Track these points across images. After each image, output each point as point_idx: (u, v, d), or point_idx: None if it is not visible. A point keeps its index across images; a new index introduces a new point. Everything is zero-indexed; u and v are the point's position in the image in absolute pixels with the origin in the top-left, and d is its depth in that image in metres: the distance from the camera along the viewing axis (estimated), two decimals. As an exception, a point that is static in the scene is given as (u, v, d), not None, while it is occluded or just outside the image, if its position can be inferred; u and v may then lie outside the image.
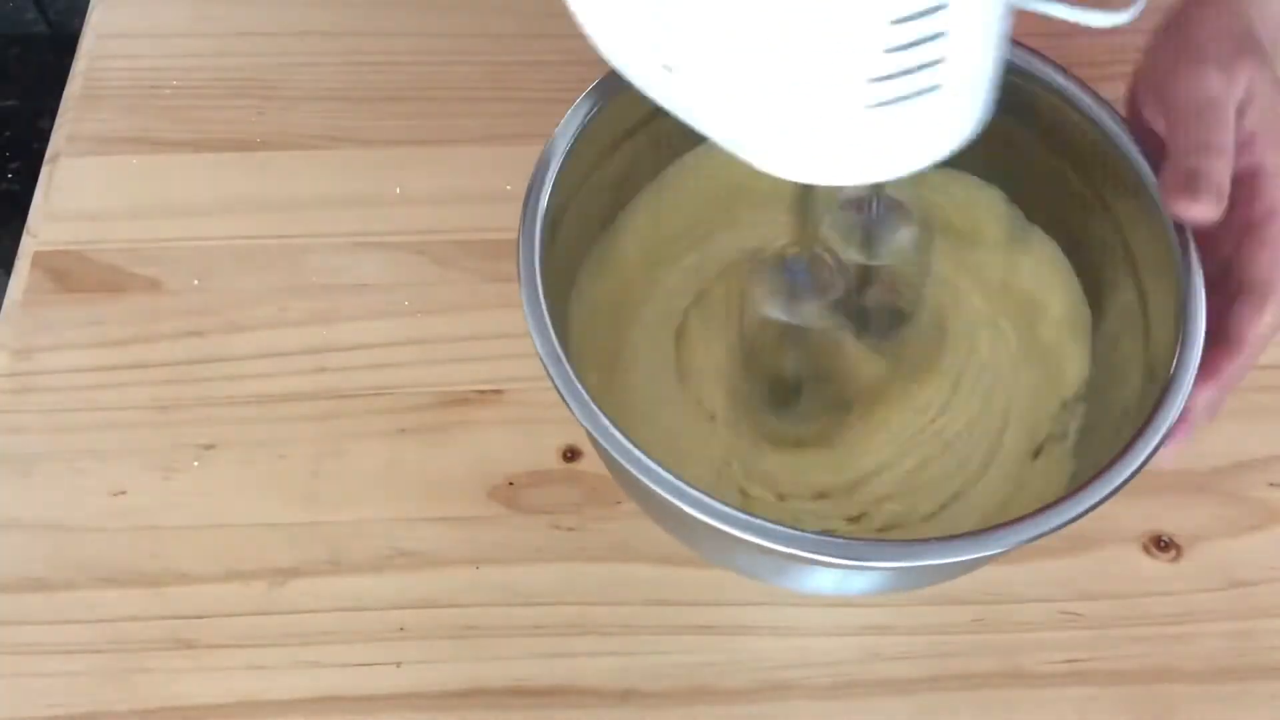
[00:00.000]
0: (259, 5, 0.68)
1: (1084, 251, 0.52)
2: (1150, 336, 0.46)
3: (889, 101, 0.31)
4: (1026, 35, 0.46)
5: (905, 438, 0.50)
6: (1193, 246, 0.44)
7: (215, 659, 0.49)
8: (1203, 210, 0.41)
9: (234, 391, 0.56)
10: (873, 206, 0.46)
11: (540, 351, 0.41)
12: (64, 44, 0.70)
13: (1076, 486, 0.40)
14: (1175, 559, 0.52)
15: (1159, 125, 0.45)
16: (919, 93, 0.31)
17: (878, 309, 0.51)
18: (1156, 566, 0.52)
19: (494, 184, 0.61)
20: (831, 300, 0.46)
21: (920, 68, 0.30)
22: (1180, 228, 0.44)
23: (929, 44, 0.30)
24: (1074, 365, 0.51)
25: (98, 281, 0.58)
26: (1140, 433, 0.40)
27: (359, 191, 0.61)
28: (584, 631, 0.50)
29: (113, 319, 0.57)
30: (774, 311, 0.46)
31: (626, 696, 0.49)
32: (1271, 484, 0.54)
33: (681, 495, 0.38)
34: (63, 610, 0.50)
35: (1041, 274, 0.53)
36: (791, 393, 0.52)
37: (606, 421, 0.40)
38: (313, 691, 0.49)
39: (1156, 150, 0.45)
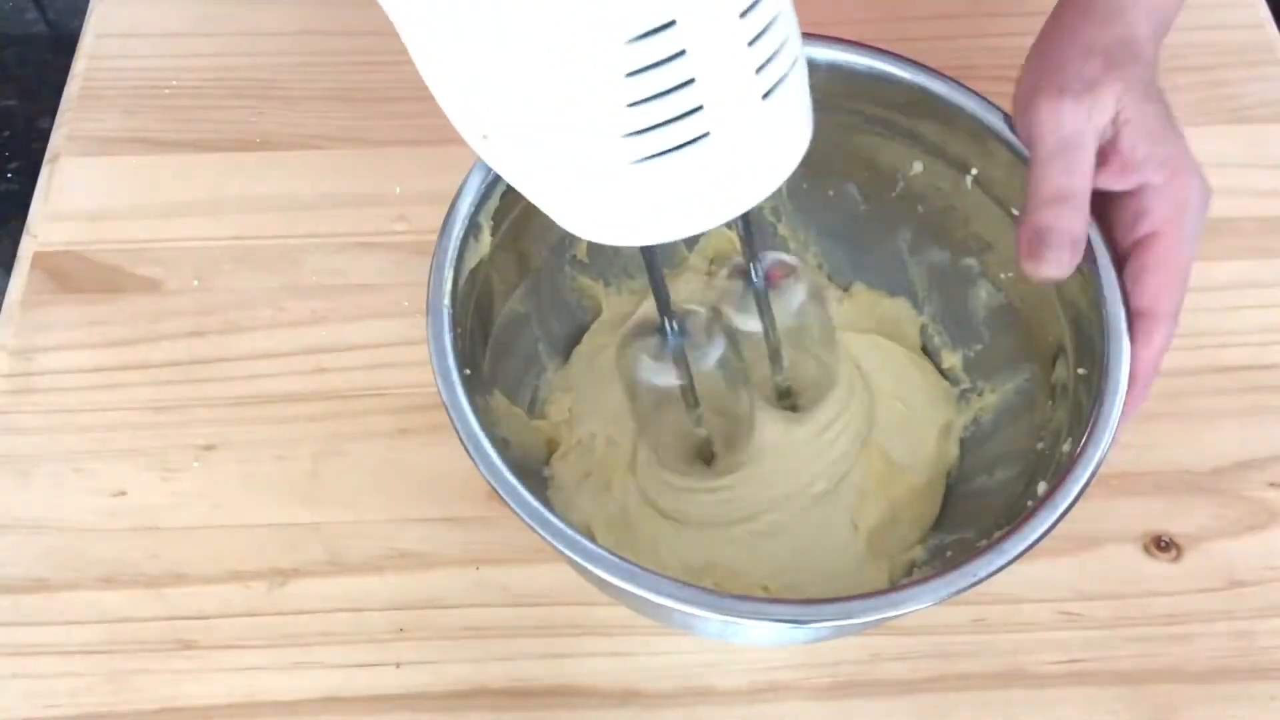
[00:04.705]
0: (258, 5, 0.68)
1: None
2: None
3: (654, 156, 0.32)
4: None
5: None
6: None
7: (215, 659, 0.49)
8: (1050, 269, 0.41)
9: (234, 391, 0.56)
10: (754, 272, 0.44)
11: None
12: (64, 44, 0.70)
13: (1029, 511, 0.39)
14: (1175, 559, 0.52)
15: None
16: (684, 144, 0.32)
17: (781, 377, 0.50)
18: (1156, 566, 0.52)
19: (494, 184, 0.61)
20: (714, 360, 0.44)
21: (678, 118, 0.31)
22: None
23: (679, 92, 0.31)
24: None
25: (98, 281, 0.58)
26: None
27: (359, 191, 0.61)
28: (584, 631, 0.50)
29: (113, 319, 0.57)
30: (646, 375, 0.44)
31: (626, 696, 0.49)
32: (1271, 484, 0.54)
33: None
34: (63, 610, 0.50)
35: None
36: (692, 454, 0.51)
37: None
38: (313, 692, 0.49)
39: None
